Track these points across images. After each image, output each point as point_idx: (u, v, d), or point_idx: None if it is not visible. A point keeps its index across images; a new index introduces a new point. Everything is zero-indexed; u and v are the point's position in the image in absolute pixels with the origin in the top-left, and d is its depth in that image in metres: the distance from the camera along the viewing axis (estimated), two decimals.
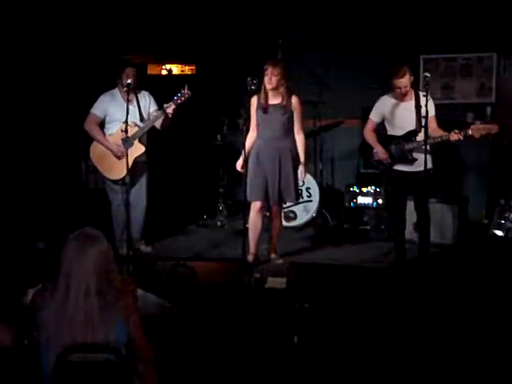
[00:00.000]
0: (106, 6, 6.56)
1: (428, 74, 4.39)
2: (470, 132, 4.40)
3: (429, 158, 4.43)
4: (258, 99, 4.70)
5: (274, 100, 4.67)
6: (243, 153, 4.56)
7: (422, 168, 4.36)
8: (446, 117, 5.89)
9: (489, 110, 6.48)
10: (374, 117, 4.78)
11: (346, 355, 3.34)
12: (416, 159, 4.57)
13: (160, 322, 3.29)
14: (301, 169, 4.78)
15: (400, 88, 4.52)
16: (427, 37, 6.39)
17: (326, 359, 3.30)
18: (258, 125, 4.76)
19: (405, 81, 4.51)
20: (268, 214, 5.14)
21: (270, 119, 4.68)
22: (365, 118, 5.03)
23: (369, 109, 4.88)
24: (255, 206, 4.79)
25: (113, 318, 2.28)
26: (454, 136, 4.41)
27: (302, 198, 5.90)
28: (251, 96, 4.66)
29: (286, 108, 4.64)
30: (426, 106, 4.33)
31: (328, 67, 6.66)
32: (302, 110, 4.74)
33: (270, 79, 4.55)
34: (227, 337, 3.46)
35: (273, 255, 5.00)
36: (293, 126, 4.72)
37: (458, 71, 6.62)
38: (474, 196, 6.12)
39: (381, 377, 3.18)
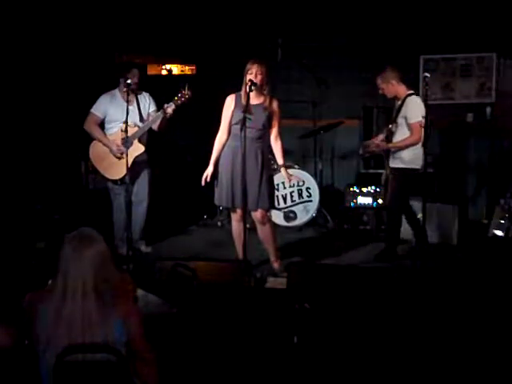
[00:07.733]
0: (105, 6, 6.56)
1: (428, 74, 4.39)
2: None
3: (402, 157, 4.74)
4: (236, 99, 4.52)
5: (256, 100, 4.47)
6: (213, 158, 4.54)
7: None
8: (446, 117, 5.91)
9: (489, 110, 6.49)
10: None
11: (346, 355, 3.34)
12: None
13: (160, 321, 3.28)
14: (283, 172, 4.71)
15: None
16: (427, 37, 6.39)
17: (325, 359, 3.30)
18: (233, 126, 4.53)
19: (378, 79, 4.91)
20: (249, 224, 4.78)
21: (250, 119, 4.41)
22: (365, 118, 5.04)
23: (369, 109, 4.90)
24: (236, 214, 4.62)
25: (111, 318, 2.28)
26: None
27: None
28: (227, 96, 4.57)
29: (267, 109, 4.49)
30: (426, 105, 4.34)
31: (328, 67, 6.66)
32: (280, 114, 4.58)
33: (256, 76, 4.34)
34: (227, 337, 3.46)
35: (275, 265, 4.74)
36: (270, 128, 4.58)
37: (458, 71, 6.62)
38: (474, 196, 6.13)
39: (381, 377, 3.19)
